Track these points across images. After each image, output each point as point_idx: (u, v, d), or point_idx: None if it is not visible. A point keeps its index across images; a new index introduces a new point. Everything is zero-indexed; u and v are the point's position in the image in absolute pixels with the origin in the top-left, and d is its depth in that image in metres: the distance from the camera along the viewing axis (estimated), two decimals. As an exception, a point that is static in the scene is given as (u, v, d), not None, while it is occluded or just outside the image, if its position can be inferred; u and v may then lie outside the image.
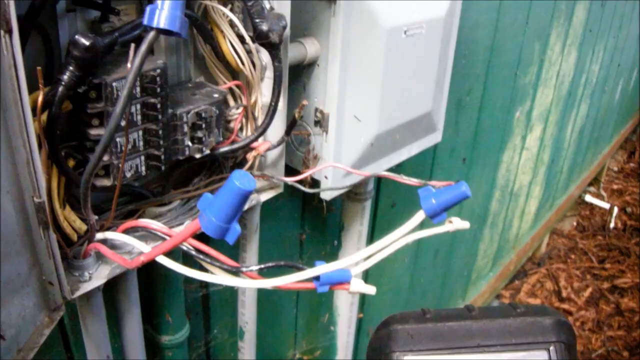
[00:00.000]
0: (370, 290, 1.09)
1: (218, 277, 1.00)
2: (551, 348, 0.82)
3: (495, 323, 0.84)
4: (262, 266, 1.05)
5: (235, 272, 1.06)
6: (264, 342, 1.97)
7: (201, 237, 1.06)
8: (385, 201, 2.29)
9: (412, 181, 1.21)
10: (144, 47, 0.88)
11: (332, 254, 2.11)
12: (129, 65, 0.88)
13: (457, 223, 1.16)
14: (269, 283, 0.99)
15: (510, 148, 3.44)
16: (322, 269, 1.00)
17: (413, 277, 2.93)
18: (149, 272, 1.39)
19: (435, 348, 0.83)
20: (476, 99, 2.70)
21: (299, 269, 1.02)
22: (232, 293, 1.69)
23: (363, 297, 2.51)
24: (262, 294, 1.77)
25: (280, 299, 2.03)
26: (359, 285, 1.07)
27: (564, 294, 4.87)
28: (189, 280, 1.55)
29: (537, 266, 5.20)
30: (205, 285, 1.64)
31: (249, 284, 1.01)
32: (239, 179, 0.76)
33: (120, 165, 1.08)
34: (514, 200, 3.96)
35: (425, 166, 2.52)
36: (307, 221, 1.95)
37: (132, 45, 0.89)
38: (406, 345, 0.83)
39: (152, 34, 0.88)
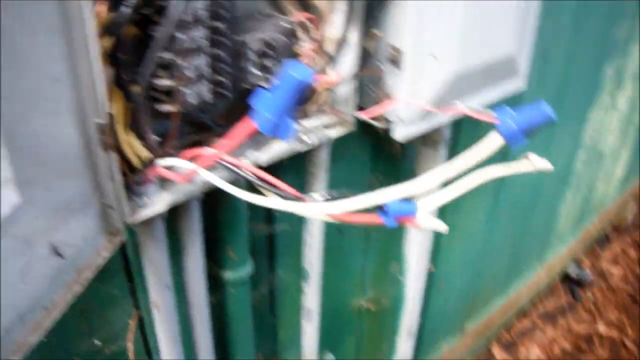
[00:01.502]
0: (441, 226, 1.05)
1: (276, 202, 0.97)
2: None
3: None
4: (326, 195, 1.02)
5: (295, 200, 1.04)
6: (329, 288, 1.95)
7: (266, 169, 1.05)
8: (462, 150, 2.21)
9: (489, 116, 1.15)
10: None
11: (403, 202, 2.06)
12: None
13: (536, 161, 1.09)
14: (329, 209, 0.96)
15: (598, 106, 3.30)
16: (386, 196, 0.96)
17: (489, 234, 2.86)
18: (213, 204, 1.38)
19: None
20: (563, 50, 2.59)
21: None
22: (298, 234, 1.67)
23: (436, 250, 2.46)
24: (329, 238, 1.75)
25: (348, 245, 2.00)
26: (427, 220, 1.03)
27: (650, 265, 4.72)
28: (254, 218, 1.53)
29: (621, 234, 5.05)
30: (270, 223, 1.63)
31: (306, 210, 0.98)
32: (294, 69, 0.74)
33: (182, 89, 1.06)
34: (600, 162, 3.82)
35: (505, 119, 2.43)
36: (379, 166, 1.90)
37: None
38: None
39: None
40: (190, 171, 1.00)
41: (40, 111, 0.90)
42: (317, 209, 0.98)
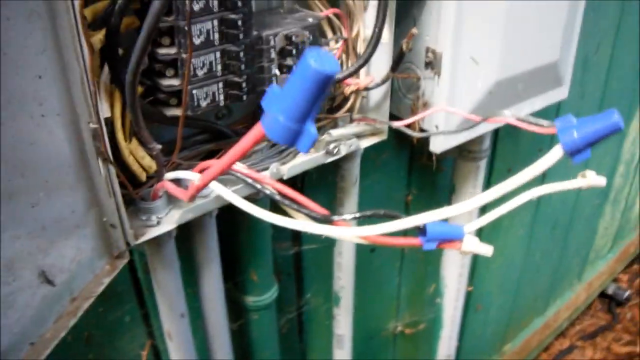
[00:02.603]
0: (487, 250, 0.90)
1: (303, 224, 0.83)
2: None
3: None
4: (357, 215, 0.88)
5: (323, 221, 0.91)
6: (362, 311, 1.82)
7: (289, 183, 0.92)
8: (500, 164, 2.08)
9: (541, 125, 0.99)
10: None
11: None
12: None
13: (591, 177, 0.96)
14: (363, 231, 0.81)
15: (638, 118, 3.15)
16: (427, 217, 0.82)
17: (528, 251, 2.72)
18: (232, 223, 1.26)
19: None
20: (604, 58, 2.44)
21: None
22: (327, 254, 1.54)
23: (473, 269, 2.32)
24: (361, 258, 1.62)
25: (382, 265, 1.87)
26: (473, 244, 0.89)
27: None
28: (278, 238, 1.41)
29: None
30: (296, 242, 1.50)
31: (339, 233, 0.84)
32: (314, 57, 0.54)
33: (189, 89, 0.93)
34: (639, 176, 3.67)
35: (545, 129, 2.30)
36: (414, 181, 1.77)
37: None
38: None
39: None
40: (194, 188, 0.85)
41: (19, 112, 0.77)
42: (350, 233, 0.83)
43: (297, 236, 1.51)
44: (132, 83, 0.76)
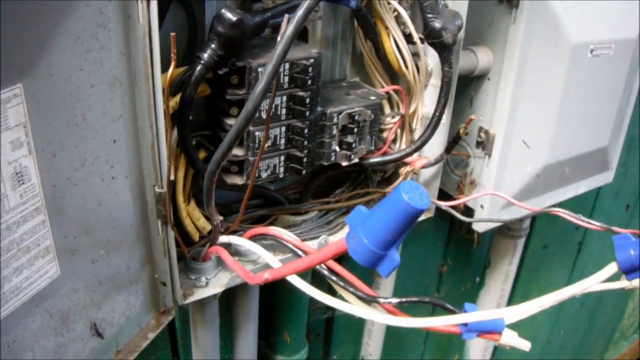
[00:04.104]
0: (525, 345, 0.91)
1: (355, 308, 0.84)
2: None
3: None
4: (404, 300, 0.89)
5: (368, 301, 0.92)
6: (384, 376, 1.82)
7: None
8: (536, 241, 2.08)
9: (593, 225, 1.02)
10: (300, 12, 0.71)
11: (472, 292, 1.93)
12: (279, 37, 0.74)
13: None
14: (411, 322, 0.82)
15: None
16: (476, 315, 0.83)
17: (553, 328, 2.70)
18: (272, 285, 1.26)
19: None
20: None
21: (449, 311, 0.86)
22: (359, 319, 1.54)
23: (498, 342, 2.31)
24: (391, 325, 1.62)
25: (408, 332, 1.86)
26: (511, 338, 0.90)
27: None
28: (314, 300, 1.42)
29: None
30: (332, 308, 1.51)
31: (388, 321, 0.85)
32: (408, 192, 0.58)
33: (255, 162, 0.95)
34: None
35: (584, 208, 2.29)
36: (451, 252, 1.78)
37: (286, 16, 0.76)
38: None
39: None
40: (262, 279, 0.86)
41: (92, 174, 0.80)
42: (394, 320, 0.84)
43: (332, 301, 1.51)
44: (213, 173, 0.79)
